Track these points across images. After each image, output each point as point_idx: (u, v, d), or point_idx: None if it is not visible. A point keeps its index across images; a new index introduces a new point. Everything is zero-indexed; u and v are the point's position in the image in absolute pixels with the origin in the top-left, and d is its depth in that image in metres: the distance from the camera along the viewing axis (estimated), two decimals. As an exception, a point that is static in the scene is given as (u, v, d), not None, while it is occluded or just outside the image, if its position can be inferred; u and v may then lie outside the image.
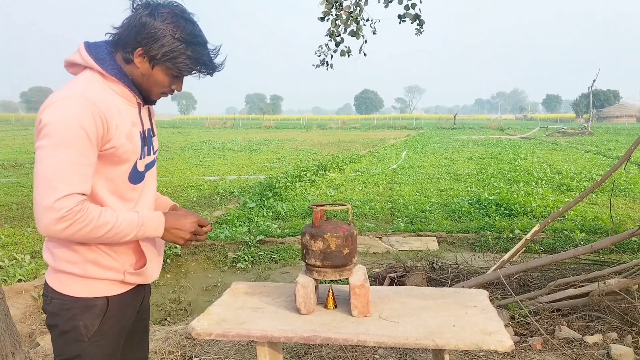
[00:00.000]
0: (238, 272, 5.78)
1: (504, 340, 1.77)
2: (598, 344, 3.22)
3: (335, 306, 2.09)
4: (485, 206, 8.73)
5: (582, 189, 10.55)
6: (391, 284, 3.98)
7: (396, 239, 6.91)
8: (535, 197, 9.44)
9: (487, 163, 15.69)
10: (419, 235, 7.08)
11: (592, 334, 3.29)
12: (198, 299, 5.15)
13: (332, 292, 2.10)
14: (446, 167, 14.87)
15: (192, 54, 1.65)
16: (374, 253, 6.26)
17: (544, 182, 11.47)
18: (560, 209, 3.96)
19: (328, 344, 1.85)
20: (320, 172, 13.49)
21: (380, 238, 6.97)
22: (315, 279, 2.04)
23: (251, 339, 1.85)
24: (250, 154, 20.21)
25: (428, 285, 4.14)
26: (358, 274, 2.06)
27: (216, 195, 10.38)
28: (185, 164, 16.45)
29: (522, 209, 8.39)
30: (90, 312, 1.69)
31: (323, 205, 2.01)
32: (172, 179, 12.74)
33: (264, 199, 9.48)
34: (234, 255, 6.15)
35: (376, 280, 4.22)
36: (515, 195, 9.35)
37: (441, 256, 5.87)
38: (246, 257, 6.03)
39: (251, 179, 12.71)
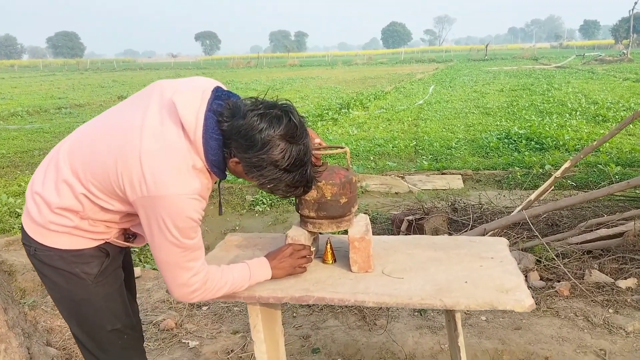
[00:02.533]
0: (256, 215, 5.65)
1: (522, 299, 1.54)
2: (632, 289, 2.98)
3: (335, 260, 1.89)
4: (514, 141, 8.35)
5: (619, 120, 9.98)
6: (409, 227, 3.77)
7: (419, 178, 6.66)
8: (569, 129, 8.97)
9: (519, 95, 15.02)
10: (443, 174, 6.81)
11: (625, 278, 3.05)
12: (216, 242, 5.06)
13: (331, 245, 1.89)
14: (475, 100, 14.29)
15: (293, 181, 1.50)
16: (396, 193, 6.05)
17: (578, 113, 10.90)
18: (595, 142, 3.62)
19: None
20: (343, 110, 13.12)
21: (403, 177, 6.73)
22: (310, 232, 1.83)
23: (237, 299, 1.68)
24: (273, 93, 19.79)
25: (449, 228, 3.92)
26: (358, 225, 1.84)
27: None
28: (207, 105, 16.20)
29: (554, 142, 8.00)
30: (85, 259, 1.58)
31: (318, 149, 1.77)
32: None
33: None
34: (252, 199, 6.02)
35: (393, 223, 4.02)
36: (547, 129, 8.90)
37: (465, 195, 5.62)
38: (264, 200, 5.89)
39: (273, 120, 12.43)
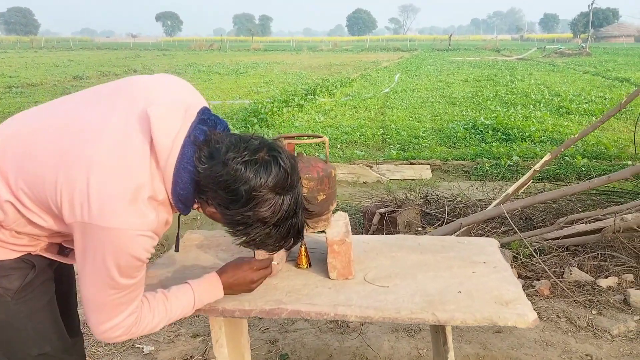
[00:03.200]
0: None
1: (525, 313, 1.36)
2: (613, 288, 2.88)
3: (310, 265, 1.67)
4: (481, 131, 8.30)
5: (582, 112, 10.10)
6: (381, 220, 3.58)
7: (387, 168, 6.50)
8: (534, 120, 8.99)
9: (483, 85, 15.07)
10: (411, 164, 6.67)
11: (605, 277, 2.94)
12: (174, 234, 4.76)
13: (306, 247, 1.67)
14: (440, 90, 14.26)
15: (283, 234, 1.25)
16: (364, 183, 5.87)
17: (542, 105, 10.96)
18: (577, 134, 3.50)
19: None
20: (309, 96, 12.86)
21: (371, 167, 6.56)
22: None
23: (197, 312, 1.44)
24: (237, 77, 19.34)
25: (422, 222, 3.76)
26: (337, 226, 1.62)
27: (198, 122, 9.81)
28: (168, 88, 15.68)
29: (520, 133, 7.98)
30: (3, 272, 1.28)
31: (293, 138, 1.54)
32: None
33: (248, 125, 8.94)
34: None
35: (364, 216, 3.83)
36: (512, 119, 8.89)
37: (435, 186, 5.48)
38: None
39: (236, 104, 12.07)
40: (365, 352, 2.47)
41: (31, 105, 1.39)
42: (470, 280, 1.54)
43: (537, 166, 3.23)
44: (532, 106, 10.80)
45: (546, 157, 3.24)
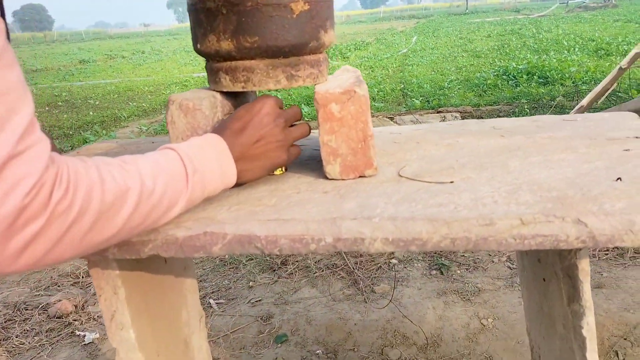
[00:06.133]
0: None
1: None
2: None
3: (285, 168, 0.88)
4: (514, 76, 7.41)
5: (623, 52, 9.09)
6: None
7: (411, 119, 5.68)
8: (571, 63, 8.02)
9: (508, 39, 13.99)
10: (438, 112, 5.84)
11: None
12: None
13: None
14: (462, 46, 13.25)
15: None
16: (386, 134, 5.06)
17: (577, 49, 9.94)
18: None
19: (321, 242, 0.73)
20: (321, 59, 12.01)
21: (392, 118, 5.74)
22: (223, 93, 0.84)
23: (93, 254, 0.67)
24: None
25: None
26: (339, 79, 0.84)
27: (202, 90, 9.12)
28: (174, 64, 15.04)
29: (560, 75, 7.05)
30: None
31: None
32: (156, 78, 11.42)
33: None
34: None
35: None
36: (547, 64, 7.94)
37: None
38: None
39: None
40: (400, 327, 1.70)
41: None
42: (627, 161, 0.74)
43: (624, 62, 2.39)
44: (566, 52, 9.81)
45: (636, 49, 2.39)
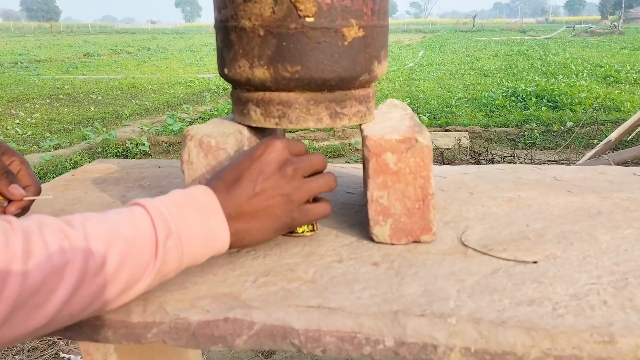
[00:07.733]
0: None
1: None
2: None
3: (315, 228, 0.72)
4: (523, 98, 7.34)
5: (633, 81, 9.03)
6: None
7: (419, 135, 5.56)
8: (581, 88, 7.95)
9: (516, 59, 13.96)
10: (446, 131, 5.75)
11: None
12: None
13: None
14: (469, 63, 13.21)
15: None
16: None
17: (585, 75, 9.88)
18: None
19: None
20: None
21: (399, 134, 5.62)
22: (253, 127, 0.73)
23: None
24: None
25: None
26: (388, 118, 0.72)
27: (207, 92, 9.04)
28: (179, 63, 14.97)
29: (569, 100, 6.97)
30: None
31: None
32: (160, 76, 11.32)
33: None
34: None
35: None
36: (557, 87, 7.87)
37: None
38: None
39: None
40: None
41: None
42: None
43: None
44: (574, 76, 9.75)
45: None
